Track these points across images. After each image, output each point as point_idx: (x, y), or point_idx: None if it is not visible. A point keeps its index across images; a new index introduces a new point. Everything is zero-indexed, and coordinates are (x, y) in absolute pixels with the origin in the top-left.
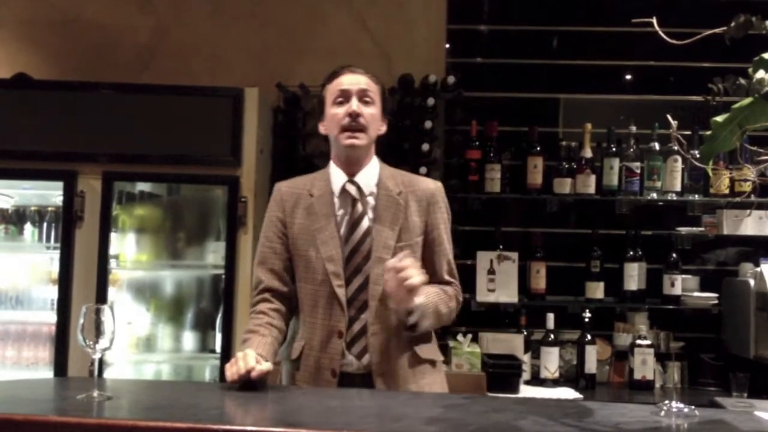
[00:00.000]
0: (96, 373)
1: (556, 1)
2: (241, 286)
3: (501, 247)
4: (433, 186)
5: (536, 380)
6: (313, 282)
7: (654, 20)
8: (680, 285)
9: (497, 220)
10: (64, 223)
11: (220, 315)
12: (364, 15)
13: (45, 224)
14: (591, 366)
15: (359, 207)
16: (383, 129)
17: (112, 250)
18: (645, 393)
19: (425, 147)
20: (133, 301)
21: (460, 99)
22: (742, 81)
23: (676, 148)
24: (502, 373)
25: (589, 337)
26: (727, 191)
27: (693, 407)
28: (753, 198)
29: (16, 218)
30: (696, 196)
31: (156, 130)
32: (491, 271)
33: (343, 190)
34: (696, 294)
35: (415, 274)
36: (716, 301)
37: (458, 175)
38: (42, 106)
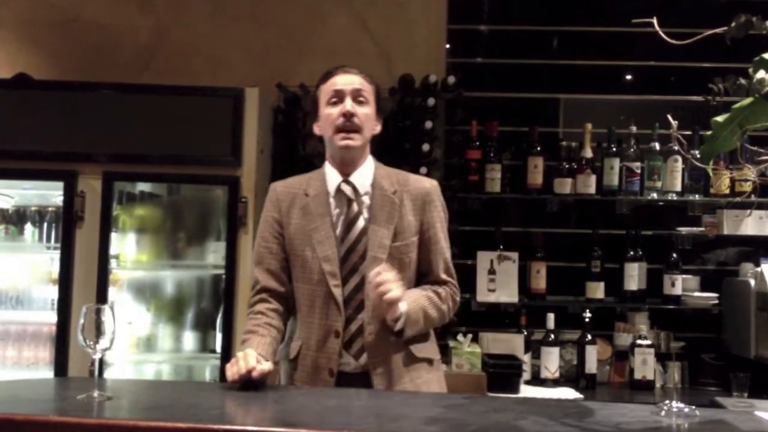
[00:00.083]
0: (96, 373)
1: (556, 1)
2: (242, 286)
3: (501, 247)
4: (428, 184)
5: (536, 380)
6: (309, 282)
7: (654, 20)
8: (680, 285)
9: (497, 220)
10: (65, 223)
11: (220, 315)
12: (364, 15)
13: (45, 224)
14: (591, 366)
15: (355, 207)
16: (378, 128)
17: (113, 250)
18: (645, 393)
19: (425, 147)
20: (134, 301)
21: (460, 99)
22: (743, 81)
23: (676, 148)
24: (502, 373)
25: (589, 337)
26: (727, 191)
27: (693, 407)
28: (753, 198)
29: (16, 218)
30: (696, 196)
31: (156, 130)
32: (491, 271)
33: (339, 190)
34: (696, 294)
35: (394, 287)
36: (716, 301)
37: (458, 175)
38: (42, 106)
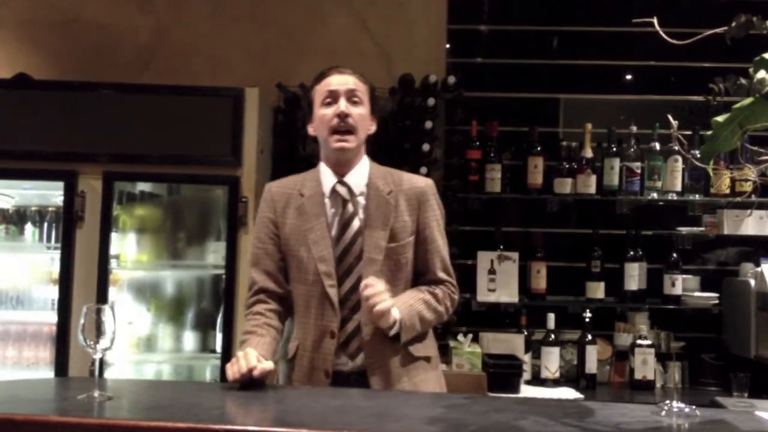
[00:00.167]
0: (97, 373)
1: (556, 1)
2: (242, 286)
3: (501, 247)
4: (423, 183)
5: (537, 380)
6: (305, 282)
7: (654, 20)
8: (681, 285)
9: (498, 220)
10: (65, 223)
11: (220, 315)
12: (364, 15)
13: (45, 224)
14: (591, 366)
15: (350, 207)
16: (372, 129)
17: (113, 250)
18: (645, 393)
19: (426, 147)
20: (134, 301)
21: (460, 99)
22: (743, 81)
23: (676, 148)
24: (502, 373)
25: (589, 337)
26: (727, 191)
27: (694, 407)
28: (753, 198)
29: (16, 218)
30: (696, 196)
31: (156, 130)
32: (492, 271)
33: (334, 191)
34: (696, 294)
35: (383, 299)
36: (717, 301)
37: (459, 175)
38: (42, 106)
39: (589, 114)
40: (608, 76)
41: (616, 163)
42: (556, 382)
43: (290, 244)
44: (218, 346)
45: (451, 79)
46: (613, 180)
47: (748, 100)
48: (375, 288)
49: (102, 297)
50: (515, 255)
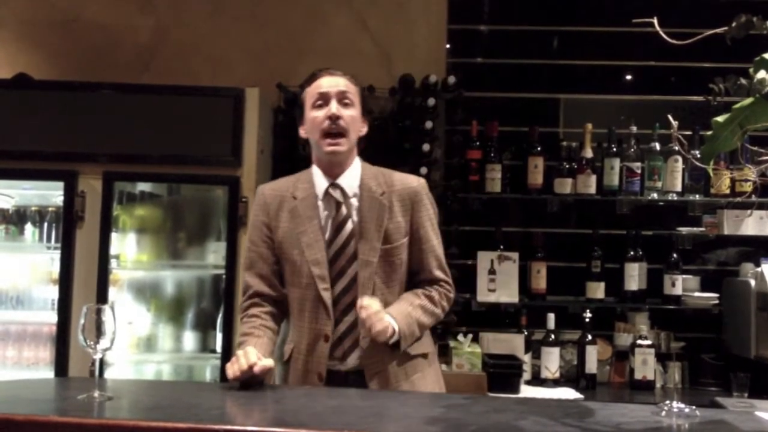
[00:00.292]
0: (97, 373)
1: (557, 1)
2: (242, 286)
3: (501, 247)
4: (415, 183)
5: (537, 380)
6: (299, 285)
7: (655, 20)
8: (681, 285)
9: (498, 220)
10: (65, 223)
11: (220, 315)
12: (365, 15)
13: (45, 224)
14: (591, 366)
15: (344, 209)
16: (364, 130)
17: (113, 250)
18: (646, 393)
19: (426, 147)
20: (134, 301)
21: (460, 99)
22: (743, 81)
23: (676, 148)
24: (502, 373)
25: (589, 337)
26: (727, 191)
27: (694, 407)
28: (754, 198)
29: (16, 218)
30: (697, 196)
31: (156, 130)
32: (492, 271)
33: (327, 193)
34: (697, 294)
35: (379, 318)
36: (717, 301)
37: (459, 175)
38: (42, 106)
39: (589, 114)
40: (608, 76)
41: (617, 163)
42: (556, 383)
43: (284, 248)
44: (218, 346)
45: (452, 79)
46: (613, 180)
47: (748, 101)
48: (371, 309)
49: (102, 297)
50: (515, 255)
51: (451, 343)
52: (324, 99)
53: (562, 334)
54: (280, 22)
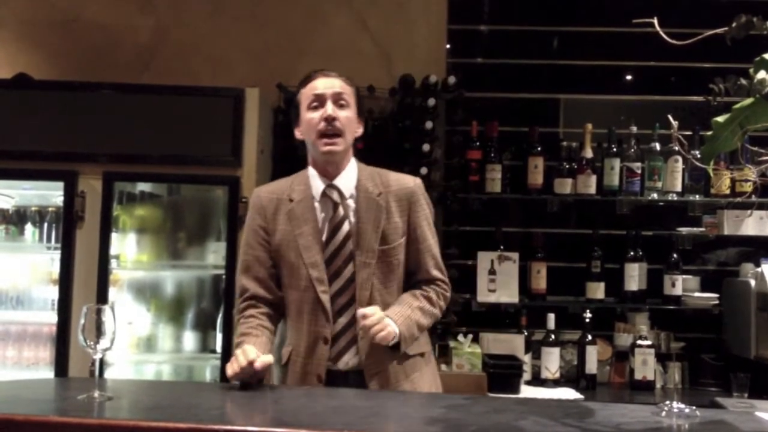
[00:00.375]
0: (97, 373)
1: (557, 1)
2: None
3: (502, 247)
4: (411, 183)
5: (537, 381)
6: (297, 288)
7: (655, 20)
8: (681, 285)
9: (498, 220)
10: (65, 224)
11: (220, 315)
12: (365, 15)
13: (45, 224)
14: (592, 366)
15: (341, 210)
16: (360, 131)
17: (113, 250)
18: (646, 393)
19: (426, 147)
20: (134, 302)
21: (460, 99)
22: (743, 81)
23: (676, 148)
24: (502, 374)
25: (589, 337)
26: (727, 191)
27: (694, 408)
28: (754, 198)
29: (16, 218)
30: (697, 196)
31: (156, 130)
32: (492, 272)
33: (324, 195)
34: (697, 294)
35: (382, 327)
36: (717, 302)
37: (459, 175)
38: (42, 106)
39: (590, 114)
40: (608, 77)
41: (617, 163)
42: (556, 383)
43: (281, 251)
44: (218, 346)
45: (452, 80)
46: (613, 180)
47: (749, 101)
48: (374, 318)
49: (102, 297)
50: (515, 255)
51: (451, 344)
52: (319, 100)
53: (562, 335)
54: (280, 22)
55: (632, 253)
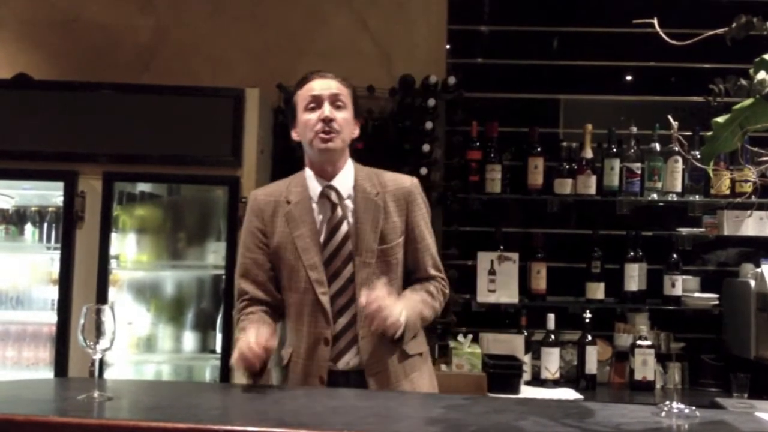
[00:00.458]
0: (96, 373)
1: (557, 2)
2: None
3: (501, 247)
4: (408, 183)
5: (537, 381)
6: (296, 290)
7: (655, 21)
8: (681, 286)
9: (498, 220)
10: (65, 224)
11: (220, 315)
12: (365, 15)
13: (45, 224)
14: (591, 367)
15: (339, 211)
16: (356, 132)
17: (113, 250)
18: (645, 394)
19: (426, 148)
20: (134, 302)
21: (460, 99)
22: (743, 82)
23: (676, 148)
24: (502, 374)
25: (589, 337)
26: (727, 192)
27: (693, 408)
28: (754, 199)
29: (16, 218)
30: (697, 196)
31: (156, 130)
32: (492, 272)
33: (322, 196)
34: (696, 295)
35: (392, 312)
36: (717, 302)
37: (459, 175)
38: (42, 106)
39: (590, 114)
40: (608, 77)
41: (616, 163)
42: (556, 383)
43: (280, 253)
44: (218, 346)
45: (452, 80)
46: (613, 181)
47: (749, 101)
48: (383, 300)
49: (102, 297)
50: (515, 255)
51: (451, 344)
52: (316, 102)
53: (562, 335)
54: (280, 22)
55: (632, 254)
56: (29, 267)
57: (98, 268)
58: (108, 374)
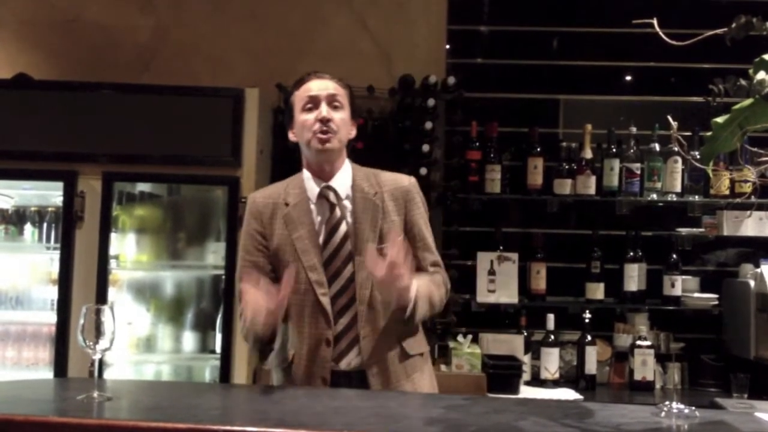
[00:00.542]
0: (96, 373)
1: (557, 2)
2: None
3: (501, 247)
4: (407, 182)
5: (536, 381)
6: (297, 291)
7: (654, 21)
8: (680, 286)
9: (497, 220)
10: (64, 224)
11: (220, 315)
12: (365, 15)
13: (45, 224)
14: (591, 367)
15: (337, 211)
16: (353, 133)
17: (112, 250)
18: (645, 394)
19: (426, 148)
20: (133, 302)
21: (460, 99)
22: (743, 82)
23: (676, 149)
24: (502, 374)
25: (589, 337)
26: (727, 192)
27: (693, 408)
28: (753, 199)
29: (16, 218)
30: (696, 197)
31: (156, 130)
32: (491, 272)
33: (320, 196)
34: (696, 295)
35: (406, 277)
36: (716, 302)
37: (458, 175)
38: (42, 106)
39: (589, 115)
40: (608, 77)
41: (616, 164)
42: (555, 383)
43: (279, 255)
44: (218, 346)
45: (451, 80)
46: (612, 181)
47: (748, 101)
48: (399, 257)
49: (101, 297)
50: (515, 256)
51: (451, 344)
52: (314, 102)
53: (561, 335)
54: (280, 22)
55: (632, 254)
56: (29, 267)
57: (98, 268)
58: (108, 374)
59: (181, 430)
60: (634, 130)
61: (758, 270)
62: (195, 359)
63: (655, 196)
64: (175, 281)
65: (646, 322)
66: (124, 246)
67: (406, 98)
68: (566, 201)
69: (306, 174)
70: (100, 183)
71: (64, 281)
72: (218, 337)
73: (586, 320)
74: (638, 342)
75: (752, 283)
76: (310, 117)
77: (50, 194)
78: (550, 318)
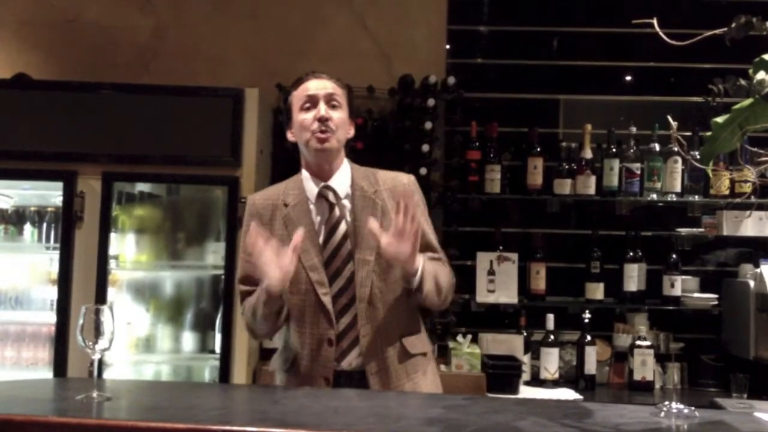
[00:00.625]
0: (95, 373)
1: (557, 2)
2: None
3: (501, 248)
4: (406, 180)
5: (536, 381)
6: (298, 292)
7: (654, 21)
8: (680, 286)
9: (497, 220)
10: (64, 224)
11: (219, 315)
12: (365, 15)
13: (45, 224)
14: (591, 367)
15: (336, 211)
16: (351, 132)
17: (112, 250)
18: (645, 394)
19: (425, 148)
20: (133, 302)
21: (460, 100)
22: (743, 82)
23: (676, 149)
24: (501, 374)
25: (588, 337)
26: (727, 192)
27: (693, 408)
28: (753, 199)
29: (15, 218)
30: (696, 197)
31: (156, 130)
32: (491, 272)
33: (319, 196)
34: (696, 295)
35: (413, 247)
36: (716, 302)
37: (458, 175)
38: (42, 106)
39: (589, 115)
40: (608, 77)
41: (616, 164)
42: (555, 383)
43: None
44: (217, 346)
45: (451, 80)
46: (612, 181)
47: (748, 101)
48: (406, 224)
49: (101, 297)
50: (515, 256)
51: (451, 344)
52: (312, 101)
53: (561, 335)
54: (280, 22)
55: (631, 254)
56: (28, 267)
57: (97, 269)
58: (107, 374)
59: (181, 430)
60: (633, 130)
61: (758, 270)
62: (194, 359)
63: (654, 196)
64: (174, 281)
65: (645, 322)
66: (124, 246)
67: (405, 98)
68: (566, 201)
69: (305, 174)
70: (99, 183)
71: (64, 281)
72: (218, 337)
73: (586, 320)
74: (638, 342)
75: (752, 283)
76: (309, 116)
77: (50, 194)
78: (550, 318)
